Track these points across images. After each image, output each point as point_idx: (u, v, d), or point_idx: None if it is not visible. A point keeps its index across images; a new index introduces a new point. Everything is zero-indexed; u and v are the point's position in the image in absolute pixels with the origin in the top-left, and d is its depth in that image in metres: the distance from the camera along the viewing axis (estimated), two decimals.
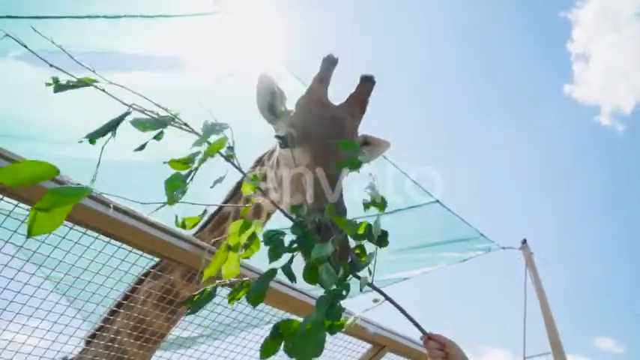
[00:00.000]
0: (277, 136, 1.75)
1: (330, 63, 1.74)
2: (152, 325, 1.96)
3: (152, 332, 1.96)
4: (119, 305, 2.00)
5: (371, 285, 1.34)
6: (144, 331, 1.96)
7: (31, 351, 1.93)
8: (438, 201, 4.90)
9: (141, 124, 1.22)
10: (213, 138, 1.24)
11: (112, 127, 1.20)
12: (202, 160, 1.21)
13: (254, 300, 1.31)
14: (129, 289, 2.02)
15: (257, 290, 1.30)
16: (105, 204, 1.65)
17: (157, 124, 1.22)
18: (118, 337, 1.95)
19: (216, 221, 2.13)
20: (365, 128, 1.89)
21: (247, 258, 1.32)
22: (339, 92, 1.85)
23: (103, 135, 1.19)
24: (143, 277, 2.02)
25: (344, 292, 1.25)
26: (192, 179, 1.21)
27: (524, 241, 6.04)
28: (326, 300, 1.22)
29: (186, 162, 1.22)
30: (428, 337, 1.54)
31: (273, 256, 1.30)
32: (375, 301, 1.39)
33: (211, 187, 1.28)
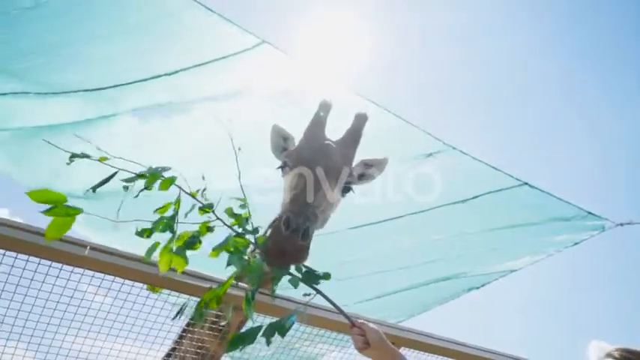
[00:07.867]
0: (279, 167, 2.18)
1: (325, 107, 2.15)
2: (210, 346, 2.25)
3: (211, 355, 2.25)
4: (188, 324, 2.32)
5: (303, 281, 1.67)
6: (204, 354, 2.25)
7: None
8: (527, 183, 4.66)
9: (127, 180, 1.74)
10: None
11: (104, 182, 1.75)
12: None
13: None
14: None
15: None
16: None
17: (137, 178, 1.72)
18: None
19: None
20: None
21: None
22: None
23: (99, 187, 1.75)
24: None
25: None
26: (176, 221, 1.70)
27: None
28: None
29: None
30: (352, 325, 1.80)
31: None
32: (307, 295, 1.61)
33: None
